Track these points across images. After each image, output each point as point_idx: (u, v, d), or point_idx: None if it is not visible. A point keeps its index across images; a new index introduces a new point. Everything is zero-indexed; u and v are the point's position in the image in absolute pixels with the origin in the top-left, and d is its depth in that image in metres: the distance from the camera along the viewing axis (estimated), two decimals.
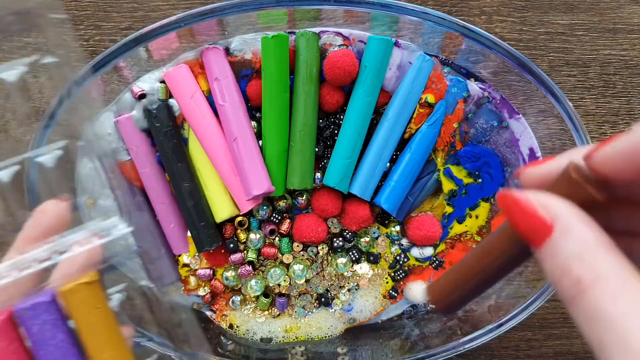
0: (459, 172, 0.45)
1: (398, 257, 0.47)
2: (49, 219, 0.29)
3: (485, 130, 0.44)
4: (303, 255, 0.46)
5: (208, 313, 0.48)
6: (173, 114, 0.44)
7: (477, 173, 0.45)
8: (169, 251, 0.46)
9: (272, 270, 0.46)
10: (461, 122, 0.44)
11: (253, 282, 0.46)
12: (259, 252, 0.46)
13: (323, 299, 0.47)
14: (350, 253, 0.46)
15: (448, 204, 0.46)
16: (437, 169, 0.45)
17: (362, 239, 0.46)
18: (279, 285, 0.47)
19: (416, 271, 0.48)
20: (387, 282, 0.48)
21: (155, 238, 0.46)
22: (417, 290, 0.47)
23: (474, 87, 0.43)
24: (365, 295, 0.48)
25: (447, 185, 0.45)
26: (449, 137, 0.44)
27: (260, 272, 0.47)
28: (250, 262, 0.46)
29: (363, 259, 0.47)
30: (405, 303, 0.48)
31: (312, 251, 0.46)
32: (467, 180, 0.45)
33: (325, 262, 0.47)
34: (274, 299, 0.47)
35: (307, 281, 0.47)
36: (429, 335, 0.46)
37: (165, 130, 0.43)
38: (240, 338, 0.47)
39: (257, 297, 0.47)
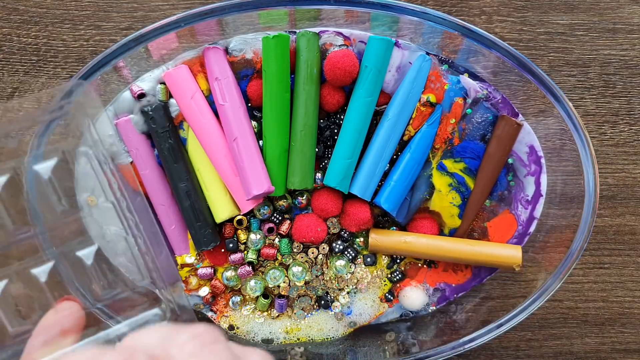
0: (453, 165, 0.45)
1: (395, 257, 0.47)
2: (67, 320, 0.28)
3: (480, 124, 0.44)
4: (302, 258, 0.46)
5: (209, 314, 0.48)
6: (170, 114, 0.44)
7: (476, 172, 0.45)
8: (170, 252, 0.46)
9: (271, 271, 0.46)
10: (460, 120, 0.44)
11: (252, 282, 0.46)
12: (259, 252, 0.46)
13: (322, 302, 0.47)
14: (346, 252, 0.46)
15: (459, 216, 0.46)
16: (431, 168, 0.45)
17: (358, 239, 0.46)
18: (278, 286, 0.47)
19: (411, 273, 0.48)
20: (384, 284, 0.48)
21: (157, 239, 0.46)
22: (413, 297, 0.47)
23: (467, 81, 0.43)
24: (364, 298, 0.48)
25: (440, 180, 0.45)
26: (447, 134, 0.44)
27: (260, 273, 0.47)
28: (250, 263, 0.46)
29: (359, 257, 0.47)
30: (402, 308, 0.48)
31: (313, 252, 0.46)
32: (467, 178, 0.45)
33: (325, 265, 0.47)
34: (273, 300, 0.47)
35: (306, 283, 0.47)
36: (426, 338, 0.46)
37: (162, 131, 0.43)
38: (241, 339, 0.47)
39: (257, 298, 0.47)
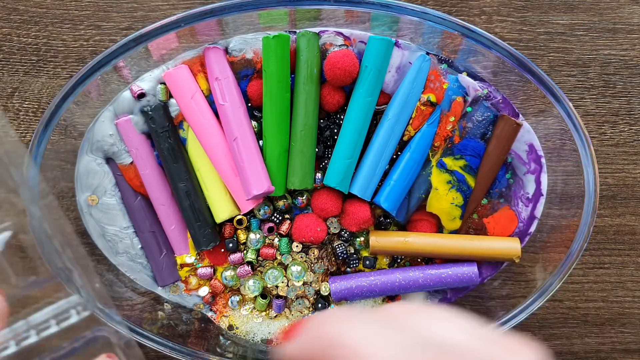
0: (453, 163, 0.44)
1: (396, 257, 0.47)
2: None
3: (481, 123, 0.43)
4: (302, 258, 0.46)
5: (209, 314, 0.48)
6: (169, 114, 0.44)
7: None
8: (170, 252, 0.46)
9: (269, 271, 0.46)
10: (460, 119, 0.44)
11: (251, 282, 0.46)
12: (258, 252, 0.46)
13: (320, 305, 0.47)
14: (351, 262, 0.46)
15: (461, 218, 0.46)
16: (431, 166, 0.45)
17: (358, 239, 0.46)
18: (276, 286, 0.47)
19: None
20: None
21: (157, 239, 0.46)
22: (415, 295, 0.48)
23: (466, 79, 0.43)
24: (364, 299, 0.48)
25: (439, 178, 0.45)
26: (447, 133, 0.44)
27: (259, 273, 0.47)
28: (249, 263, 0.46)
29: (359, 263, 0.47)
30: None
31: (314, 253, 0.46)
32: (468, 176, 0.45)
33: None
34: (272, 300, 0.47)
35: (304, 284, 0.47)
36: None
37: (161, 131, 0.43)
38: (240, 339, 0.47)
39: (255, 298, 0.47)
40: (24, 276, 0.33)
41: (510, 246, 0.45)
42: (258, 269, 0.47)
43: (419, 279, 0.45)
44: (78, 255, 0.33)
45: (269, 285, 0.46)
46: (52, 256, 0.33)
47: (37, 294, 0.32)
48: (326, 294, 0.47)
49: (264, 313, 0.48)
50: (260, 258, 0.46)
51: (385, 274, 0.46)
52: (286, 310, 0.47)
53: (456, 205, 0.45)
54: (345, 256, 0.46)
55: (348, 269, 0.47)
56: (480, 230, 0.46)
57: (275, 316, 0.48)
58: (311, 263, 0.46)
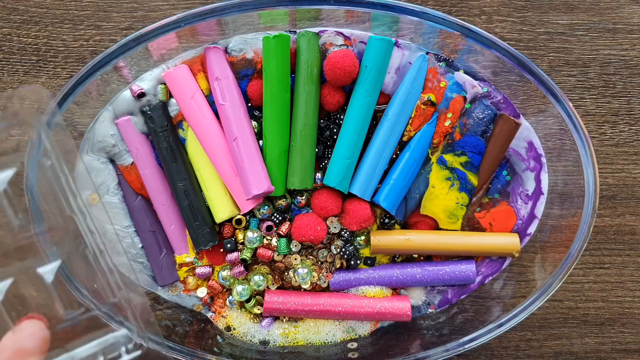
0: (454, 159, 0.44)
1: (395, 255, 0.47)
2: (28, 341, 0.26)
3: (482, 120, 0.43)
4: (307, 259, 0.46)
5: (209, 314, 0.48)
6: (168, 113, 0.44)
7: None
8: (170, 252, 0.46)
9: (256, 276, 0.45)
10: (460, 116, 0.44)
11: (240, 287, 0.45)
12: (255, 251, 0.46)
13: None
14: (352, 260, 0.46)
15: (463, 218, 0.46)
16: (431, 163, 0.45)
17: (359, 238, 0.46)
18: (268, 287, 0.46)
19: None
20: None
21: (157, 239, 0.46)
22: (410, 292, 0.48)
23: (462, 76, 0.43)
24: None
25: (437, 174, 0.45)
26: (446, 129, 0.44)
27: (248, 278, 0.46)
28: (244, 260, 0.45)
29: (360, 262, 0.47)
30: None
31: (322, 253, 0.46)
32: (469, 174, 0.45)
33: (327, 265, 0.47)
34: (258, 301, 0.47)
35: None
36: (427, 338, 0.46)
37: (160, 131, 0.43)
38: (238, 340, 0.47)
39: (246, 302, 0.47)
40: (72, 309, 0.31)
41: (509, 241, 0.45)
42: (249, 273, 0.46)
43: (416, 274, 0.46)
44: (135, 291, 0.32)
45: (255, 289, 0.46)
46: (105, 291, 0.32)
47: (83, 326, 0.31)
48: (324, 285, 0.47)
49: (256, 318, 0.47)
50: (258, 259, 0.46)
51: (383, 269, 0.46)
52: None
53: (462, 205, 0.45)
54: (351, 256, 0.46)
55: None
56: (473, 226, 0.46)
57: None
58: (317, 263, 0.46)
